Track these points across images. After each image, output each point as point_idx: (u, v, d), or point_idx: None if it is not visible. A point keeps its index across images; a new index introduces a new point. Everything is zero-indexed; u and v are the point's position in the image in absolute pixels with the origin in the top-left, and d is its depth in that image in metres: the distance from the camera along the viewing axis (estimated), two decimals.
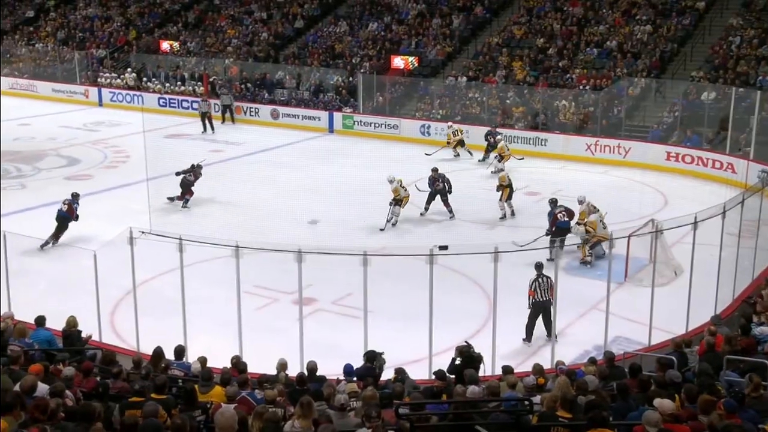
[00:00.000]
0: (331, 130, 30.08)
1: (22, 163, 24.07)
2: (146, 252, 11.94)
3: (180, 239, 11.32)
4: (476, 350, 10.31)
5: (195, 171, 19.97)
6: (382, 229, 17.84)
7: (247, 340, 11.28)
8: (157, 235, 13.94)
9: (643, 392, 7.88)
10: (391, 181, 18.31)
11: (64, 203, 17.02)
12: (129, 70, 36.05)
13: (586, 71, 28.33)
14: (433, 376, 9.18)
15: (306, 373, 9.38)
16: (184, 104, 33.34)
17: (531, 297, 12.46)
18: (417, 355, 11.03)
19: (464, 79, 29.90)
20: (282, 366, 9.82)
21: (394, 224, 18.04)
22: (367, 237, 17.14)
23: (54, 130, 29.02)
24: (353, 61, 32.77)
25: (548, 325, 12.49)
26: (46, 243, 16.39)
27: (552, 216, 16.40)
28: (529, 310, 12.54)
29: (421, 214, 18.89)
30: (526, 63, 29.69)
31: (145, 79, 35.48)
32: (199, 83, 33.76)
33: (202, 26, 38.38)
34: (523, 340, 12.62)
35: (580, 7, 31.05)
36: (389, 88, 30.68)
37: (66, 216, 16.87)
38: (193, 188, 19.85)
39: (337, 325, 13.06)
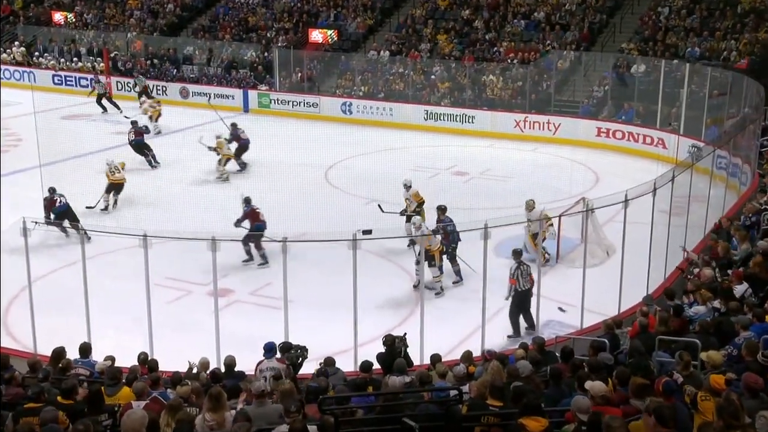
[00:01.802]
0: (246, 109, 29.72)
1: None
2: (43, 244, 11.61)
3: (82, 229, 11.06)
4: (405, 343, 10.42)
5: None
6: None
7: (158, 336, 11.12)
8: (54, 225, 13.59)
9: (575, 376, 8.10)
10: (108, 164, 18.36)
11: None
12: (17, 44, 34.76)
13: (514, 44, 28.76)
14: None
15: (222, 368, 9.30)
16: (83, 82, 32.37)
17: (512, 285, 12.32)
18: (343, 345, 11.07)
19: (387, 53, 29.96)
20: (203, 365, 9.69)
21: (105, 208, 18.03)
22: (286, 223, 17.03)
23: None
24: (268, 34, 32.42)
25: (529, 315, 12.45)
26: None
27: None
28: (509, 300, 12.43)
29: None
30: (452, 36, 29.94)
31: (36, 54, 34.30)
32: (98, 59, 32.84)
33: None
34: (509, 336, 12.37)
35: None
36: (307, 63, 30.49)
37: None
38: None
39: (256, 316, 12.97)
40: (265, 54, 31.33)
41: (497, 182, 20.59)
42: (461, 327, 12.66)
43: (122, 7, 36.07)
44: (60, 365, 9.26)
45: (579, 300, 12.21)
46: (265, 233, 14.91)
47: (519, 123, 25.92)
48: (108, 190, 18.25)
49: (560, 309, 12.54)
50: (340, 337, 11.17)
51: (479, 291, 11.62)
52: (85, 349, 9.90)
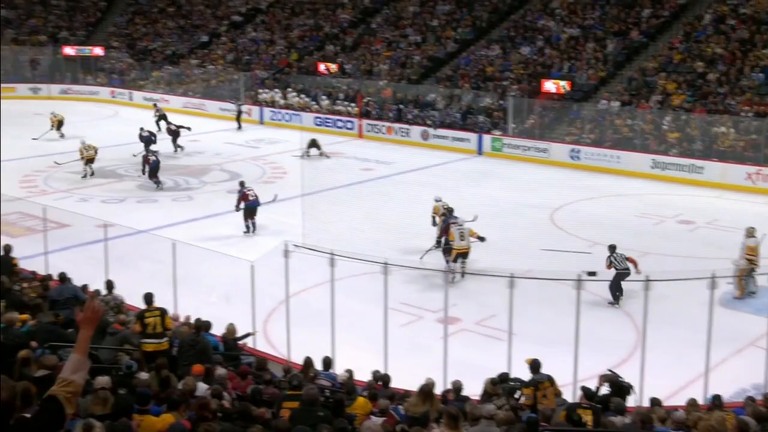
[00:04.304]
0: (480, 151, 30.01)
1: (191, 176, 25.58)
2: (299, 265, 12.36)
3: (331, 254, 11.64)
4: (624, 379, 9.95)
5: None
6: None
7: (390, 356, 11.41)
8: (309, 249, 14.40)
9: None
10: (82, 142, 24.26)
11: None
12: (290, 89, 37.52)
13: (749, 97, 26.74)
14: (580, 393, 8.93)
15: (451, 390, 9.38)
16: (339, 123, 34.34)
17: (608, 269, 14.02)
18: (560, 381, 10.74)
19: (617, 103, 29.03)
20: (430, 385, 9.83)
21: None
22: (513, 259, 16.94)
23: (219, 147, 30.67)
24: (504, 84, 32.60)
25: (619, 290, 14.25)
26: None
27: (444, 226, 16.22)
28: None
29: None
30: (684, 88, 28.41)
31: (306, 99, 36.79)
32: (352, 104, 34.69)
33: (359, 49, 39.46)
34: (609, 303, 14.32)
35: (745, 30, 29.39)
36: (539, 111, 30.28)
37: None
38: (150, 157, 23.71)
39: (480, 345, 12.95)
40: (500, 102, 31.51)
41: (725, 233, 19.15)
42: (682, 374, 11.89)
43: (377, 59, 37.85)
44: (311, 374, 9.80)
45: None
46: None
47: (751, 175, 24.00)
48: (86, 164, 23.99)
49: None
50: (558, 372, 10.87)
51: (699, 340, 10.84)
52: (328, 363, 10.38)
